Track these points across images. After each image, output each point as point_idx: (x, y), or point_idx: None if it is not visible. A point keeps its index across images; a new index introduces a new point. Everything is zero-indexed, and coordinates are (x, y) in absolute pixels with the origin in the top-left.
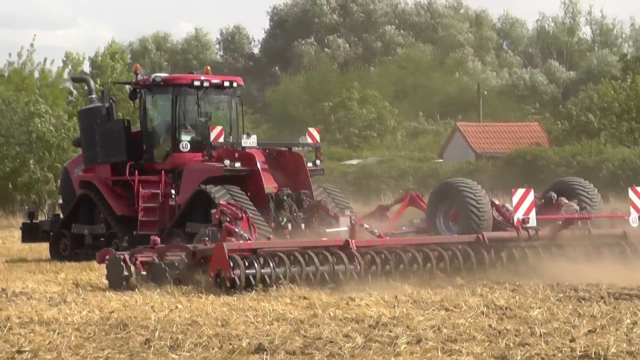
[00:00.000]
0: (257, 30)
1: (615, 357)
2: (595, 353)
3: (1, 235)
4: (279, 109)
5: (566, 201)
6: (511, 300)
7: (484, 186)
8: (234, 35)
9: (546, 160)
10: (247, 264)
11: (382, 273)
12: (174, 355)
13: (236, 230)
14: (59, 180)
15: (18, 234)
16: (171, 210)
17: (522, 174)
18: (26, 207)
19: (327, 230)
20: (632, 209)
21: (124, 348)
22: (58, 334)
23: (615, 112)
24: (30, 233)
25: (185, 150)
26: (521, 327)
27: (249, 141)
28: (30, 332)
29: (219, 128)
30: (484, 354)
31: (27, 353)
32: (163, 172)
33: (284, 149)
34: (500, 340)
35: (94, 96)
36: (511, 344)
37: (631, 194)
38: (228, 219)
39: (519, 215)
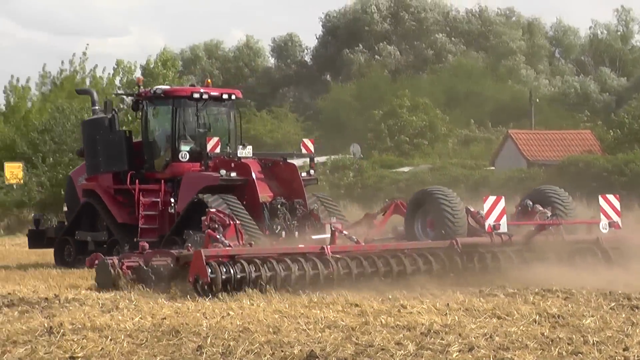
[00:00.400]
0: (308, 36)
1: None
2: None
3: None
4: (330, 117)
5: (540, 208)
6: (563, 309)
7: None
8: (287, 42)
9: (598, 168)
10: (224, 269)
11: (356, 278)
12: None
13: (217, 237)
14: None
15: None
16: (170, 218)
17: (574, 182)
18: (32, 215)
19: (313, 237)
20: (602, 216)
21: (176, 355)
22: (110, 340)
23: None
24: (36, 239)
25: (184, 160)
26: (574, 336)
27: (245, 152)
28: (82, 339)
29: (215, 139)
30: None
31: (80, 359)
32: (163, 181)
33: (279, 159)
34: (552, 348)
35: (97, 107)
36: (564, 353)
37: (601, 202)
38: (216, 226)
39: (490, 221)
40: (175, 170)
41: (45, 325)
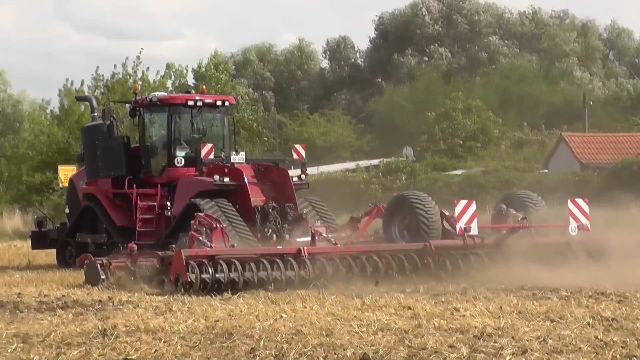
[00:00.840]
0: (361, 39)
1: None
2: None
3: None
4: (383, 119)
5: (513, 212)
6: (617, 312)
7: (589, 197)
8: (340, 44)
9: None
10: (203, 269)
11: (332, 277)
12: None
13: (200, 238)
14: None
15: None
16: (167, 221)
17: (628, 185)
18: (35, 217)
19: (297, 239)
20: (571, 219)
21: (229, 357)
22: (164, 342)
23: None
24: (39, 241)
25: (179, 165)
26: (628, 339)
27: (238, 157)
28: (136, 341)
29: (209, 146)
30: None
31: None
32: (159, 185)
33: (272, 164)
34: (606, 352)
35: (96, 114)
36: (618, 356)
37: (570, 205)
38: (202, 229)
39: (461, 224)
40: (171, 175)
41: (99, 327)
